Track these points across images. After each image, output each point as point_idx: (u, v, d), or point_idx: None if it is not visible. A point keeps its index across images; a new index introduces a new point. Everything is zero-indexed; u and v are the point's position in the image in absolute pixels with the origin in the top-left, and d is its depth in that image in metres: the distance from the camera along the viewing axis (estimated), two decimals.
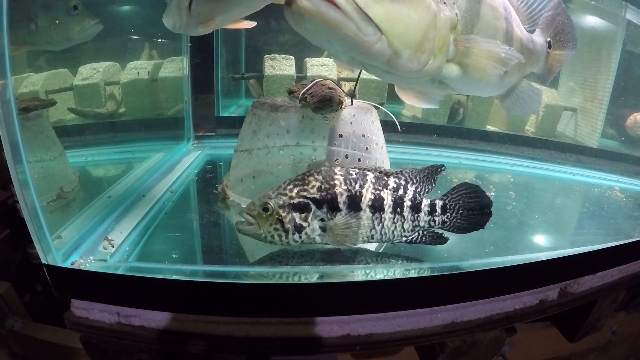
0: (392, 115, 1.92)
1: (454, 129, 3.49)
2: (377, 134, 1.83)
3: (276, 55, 3.46)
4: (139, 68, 3.01)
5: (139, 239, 1.57)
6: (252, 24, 1.65)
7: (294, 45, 3.74)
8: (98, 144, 2.51)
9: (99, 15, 2.29)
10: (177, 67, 2.96)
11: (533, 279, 1.47)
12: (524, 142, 3.45)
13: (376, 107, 1.93)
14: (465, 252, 1.53)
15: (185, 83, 2.85)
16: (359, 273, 1.42)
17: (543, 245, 1.75)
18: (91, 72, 2.83)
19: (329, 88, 1.65)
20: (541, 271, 1.47)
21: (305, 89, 1.78)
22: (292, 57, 3.47)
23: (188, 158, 2.51)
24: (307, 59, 3.54)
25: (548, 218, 2.06)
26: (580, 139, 3.67)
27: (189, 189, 2.17)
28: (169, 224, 1.72)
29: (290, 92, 1.95)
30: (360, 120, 1.77)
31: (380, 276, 1.37)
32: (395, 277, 1.41)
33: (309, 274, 1.34)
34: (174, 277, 1.26)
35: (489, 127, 3.69)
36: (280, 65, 3.43)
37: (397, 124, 1.88)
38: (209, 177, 2.28)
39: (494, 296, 1.42)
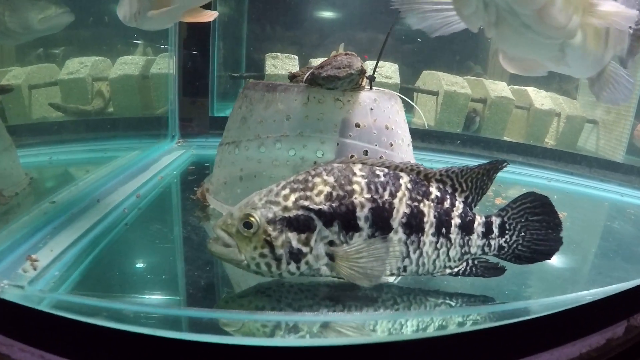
0: (415, 105, 1.38)
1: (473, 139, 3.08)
2: (403, 127, 1.32)
3: (278, 54, 3.06)
4: (129, 63, 2.68)
5: (80, 259, 1.17)
6: (214, 14, 1.44)
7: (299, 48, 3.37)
8: (67, 141, 2.12)
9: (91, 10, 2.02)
10: (166, 65, 2.65)
11: (601, 316, 1.17)
12: (559, 156, 3.02)
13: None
14: (517, 290, 1.19)
15: (171, 81, 2.52)
16: (384, 329, 0.88)
17: (611, 275, 1.44)
18: (78, 66, 2.48)
19: (347, 54, 1.12)
20: (610, 306, 1.19)
21: (315, 67, 1.25)
22: (296, 57, 3.07)
23: (168, 157, 2.06)
24: (312, 60, 3.10)
25: (610, 244, 1.67)
26: (603, 153, 3.27)
27: (162, 194, 1.71)
28: (126, 239, 1.35)
29: (293, 77, 1.46)
30: (383, 107, 1.25)
31: (414, 328, 0.92)
32: (442, 333, 0.88)
33: (308, 326, 0.87)
34: (111, 325, 0.87)
35: (505, 138, 3.28)
36: (282, 65, 3.03)
37: (424, 118, 1.35)
38: (191, 180, 1.80)
39: (560, 344, 1.10)
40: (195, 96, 2.65)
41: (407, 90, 3.25)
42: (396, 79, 3.06)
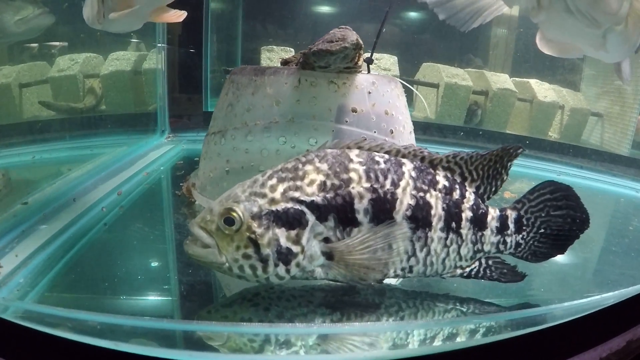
0: (416, 91, 1.25)
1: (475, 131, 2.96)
2: (404, 113, 1.19)
3: (274, 46, 2.98)
4: (121, 59, 2.59)
5: (50, 264, 1.06)
6: (182, 15, 1.38)
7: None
8: (51, 139, 2.00)
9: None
10: (157, 60, 2.57)
11: (624, 318, 1.08)
12: (567, 149, 2.90)
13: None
14: (535, 293, 1.07)
15: (160, 76, 2.44)
16: (387, 339, 0.74)
17: (634, 275, 1.31)
18: (69, 63, 2.39)
19: (341, 27, 0.99)
20: (633, 307, 1.10)
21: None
22: (292, 49, 2.97)
23: (156, 153, 1.95)
24: None
25: (632, 242, 1.54)
26: (607, 147, 3.15)
27: (147, 191, 1.59)
28: (103, 241, 1.21)
29: (285, 63, 1.33)
30: (382, 91, 1.12)
31: (422, 338, 0.79)
32: (454, 345, 0.74)
33: (303, 339, 0.75)
34: (73, 337, 0.78)
35: (508, 131, 3.16)
36: (278, 57, 2.94)
37: (426, 106, 1.22)
38: (178, 175, 1.70)
39: (582, 351, 1.01)
40: (188, 91, 2.56)
41: (406, 82, 3.15)
42: (395, 71, 2.95)
